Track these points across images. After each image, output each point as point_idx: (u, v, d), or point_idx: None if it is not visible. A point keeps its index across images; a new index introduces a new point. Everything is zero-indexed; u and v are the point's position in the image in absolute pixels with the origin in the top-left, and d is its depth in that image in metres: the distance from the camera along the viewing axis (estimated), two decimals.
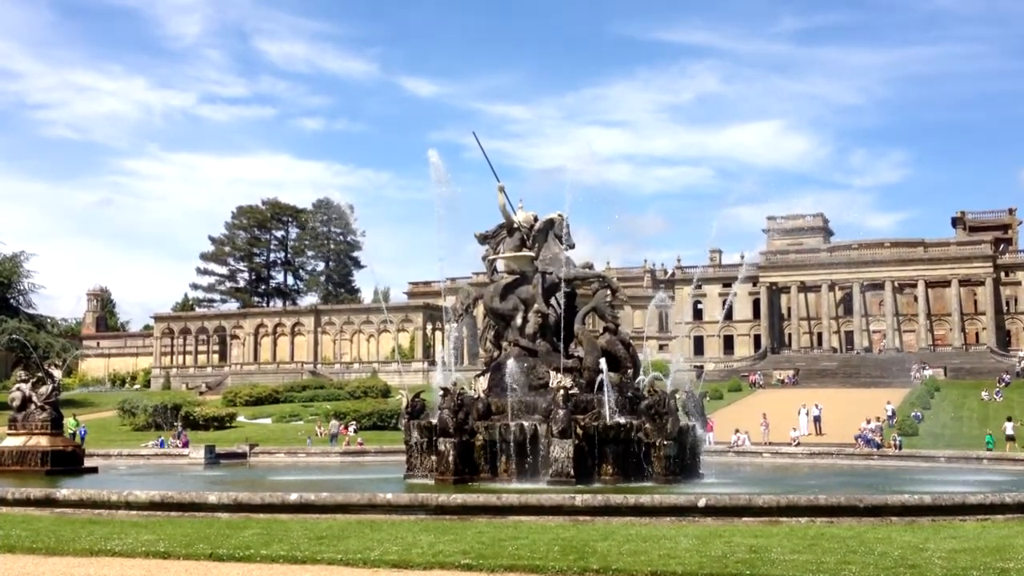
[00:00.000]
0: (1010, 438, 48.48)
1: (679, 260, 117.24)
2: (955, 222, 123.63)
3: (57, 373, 34.27)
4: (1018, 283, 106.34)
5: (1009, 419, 51.32)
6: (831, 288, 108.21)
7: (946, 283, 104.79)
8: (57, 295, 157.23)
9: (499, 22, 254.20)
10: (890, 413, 60.70)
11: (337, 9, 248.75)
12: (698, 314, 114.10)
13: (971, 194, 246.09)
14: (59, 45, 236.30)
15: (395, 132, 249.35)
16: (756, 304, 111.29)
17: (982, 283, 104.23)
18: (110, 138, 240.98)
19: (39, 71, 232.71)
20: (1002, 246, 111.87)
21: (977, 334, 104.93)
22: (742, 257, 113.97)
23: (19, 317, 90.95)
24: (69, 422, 43.88)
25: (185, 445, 49.82)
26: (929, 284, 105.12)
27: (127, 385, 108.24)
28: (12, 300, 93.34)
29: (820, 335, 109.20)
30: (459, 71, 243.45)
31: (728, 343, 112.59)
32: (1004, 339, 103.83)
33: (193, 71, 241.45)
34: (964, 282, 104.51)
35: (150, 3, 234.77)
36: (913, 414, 61.26)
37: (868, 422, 52.72)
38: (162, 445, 51.09)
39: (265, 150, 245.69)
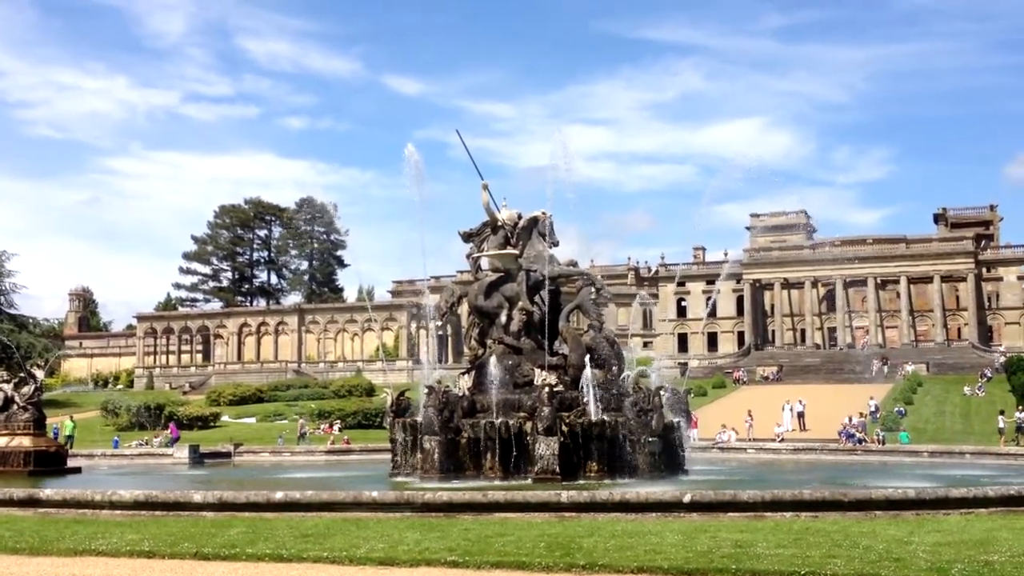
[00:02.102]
0: (1001, 431, 48.76)
1: (663, 258, 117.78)
2: (937, 218, 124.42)
3: (39, 373, 33.95)
4: (1000, 279, 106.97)
5: (1001, 412, 51.62)
6: (814, 285, 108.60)
7: (928, 279, 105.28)
8: (40, 295, 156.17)
9: (484, 20, 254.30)
10: (873, 408, 61.07)
11: (320, 7, 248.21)
12: (682, 311, 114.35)
13: (953, 190, 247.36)
14: (40, 43, 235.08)
15: (380, 130, 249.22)
16: (740, 301, 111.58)
17: (964, 279, 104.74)
18: (93, 137, 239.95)
19: (20, 69, 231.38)
20: (984, 242, 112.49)
21: (959, 330, 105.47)
22: (725, 254, 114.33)
23: (1, 317, 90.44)
24: (66, 424, 43.75)
25: (172, 444, 49.73)
26: (911, 280, 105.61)
27: (110, 385, 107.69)
28: None
29: (803, 331, 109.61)
30: (444, 69, 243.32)
31: (712, 340, 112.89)
32: (986, 335, 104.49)
33: (176, 70, 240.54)
34: (946, 278, 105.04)
35: (132, 1, 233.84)
36: (896, 409, 61.61)
37: (850, 419, 53.05)
38: (116, 445, 51.22)
39: (249, 149, 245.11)
